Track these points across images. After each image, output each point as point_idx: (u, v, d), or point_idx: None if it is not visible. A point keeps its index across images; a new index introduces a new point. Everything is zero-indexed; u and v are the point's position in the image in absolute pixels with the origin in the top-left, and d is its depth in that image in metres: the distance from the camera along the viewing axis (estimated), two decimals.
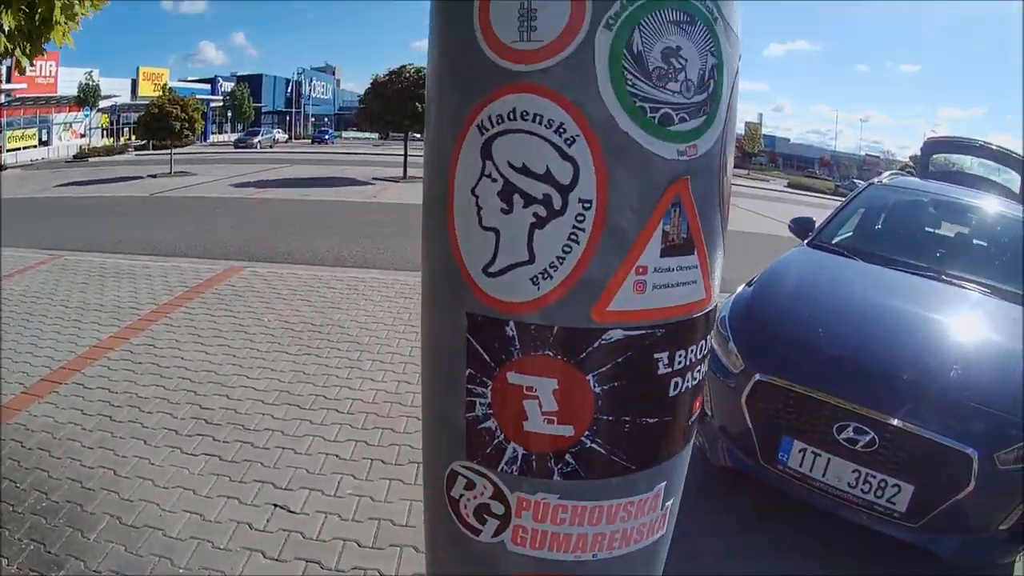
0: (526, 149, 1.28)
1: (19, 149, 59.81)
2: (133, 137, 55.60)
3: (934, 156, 8.21)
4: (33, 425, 4.80)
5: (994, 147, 7.32)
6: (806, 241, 5.58)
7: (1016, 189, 6.80)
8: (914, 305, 4.47)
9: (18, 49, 3.59)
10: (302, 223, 15.55)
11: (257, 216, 16.58)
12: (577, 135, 1.25)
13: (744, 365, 3.83)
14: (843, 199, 6.71)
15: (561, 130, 1.26)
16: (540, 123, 1.27)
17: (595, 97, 1.25)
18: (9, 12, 2.96)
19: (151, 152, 48.65)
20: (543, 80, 1.26)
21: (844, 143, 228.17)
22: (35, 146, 62.84)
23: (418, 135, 28.53)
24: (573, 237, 1.29)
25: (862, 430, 3.39)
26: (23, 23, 3.33)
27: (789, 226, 6.02)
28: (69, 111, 64.23)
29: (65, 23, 3.71)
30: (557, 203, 1.28)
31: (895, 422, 3.36)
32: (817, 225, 5.80)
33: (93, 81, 59.88)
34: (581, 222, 1.28)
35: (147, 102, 46.78)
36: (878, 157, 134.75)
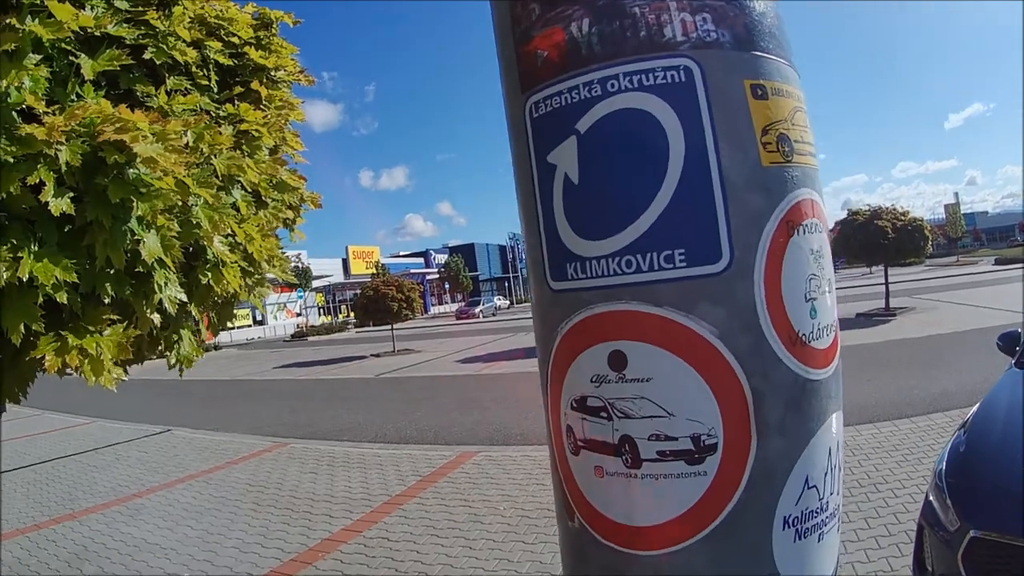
0: None
1: (233, 328, 66.36)
2: (351, 314, 60.06)
3: None
4: None
5: None
6: (1014, 360, 5.51)
7: None
8: None
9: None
10: (535, 398, 15.48)
11: (487, 394, 17.00)
12: None
13: (960, 522, 3.87)
14: None
15: None
16: None
17: None
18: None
19: (372, 329, 52.03)
20: None
21: None
22: (249, 325, 69.39)
23: None
24: None
25: None
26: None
27: (997, 344, 6.06)
28: (281, 292, 70.72)
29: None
30: None
31: None
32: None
33: (302, 263, 65.33)
34: None
35: (360, 280, 50.16)
36: None
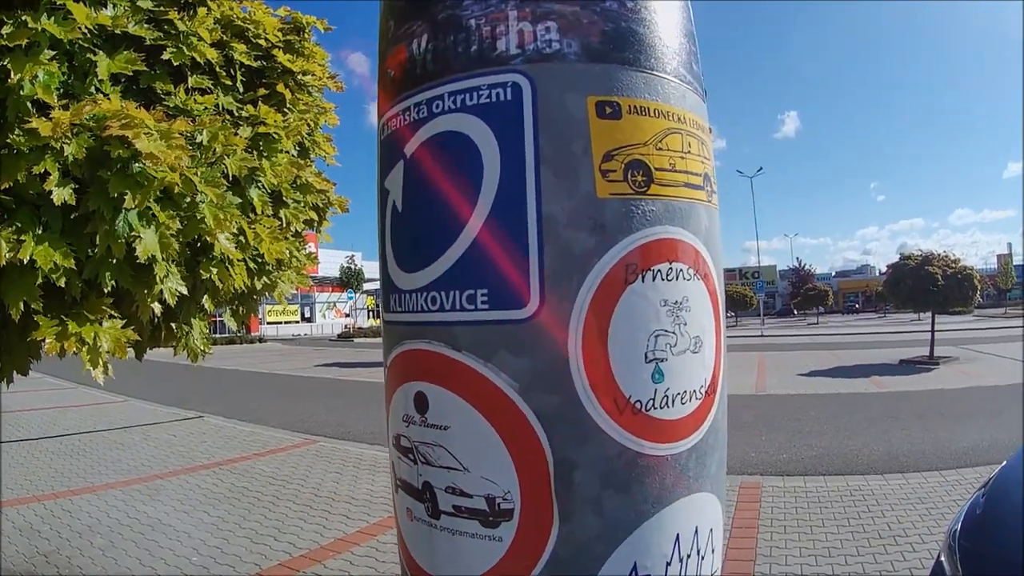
0: None
1: (280, 323, 67.01)
2: None
3: None
4: None
5: None
6: None
7: None
8: None
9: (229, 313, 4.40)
10: None
11: None
12: None
13: None
14: None
15: None
16: None
17: None
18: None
19: None
20: None
21: None
22: (297, 322, 69.94)
23: None
24: None
25: None
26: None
27: None
28: (332, 291, 71.26)
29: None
30: None
31: None
32: None
33: (355, 265, 65.83)
34: None
35: None
36: None
